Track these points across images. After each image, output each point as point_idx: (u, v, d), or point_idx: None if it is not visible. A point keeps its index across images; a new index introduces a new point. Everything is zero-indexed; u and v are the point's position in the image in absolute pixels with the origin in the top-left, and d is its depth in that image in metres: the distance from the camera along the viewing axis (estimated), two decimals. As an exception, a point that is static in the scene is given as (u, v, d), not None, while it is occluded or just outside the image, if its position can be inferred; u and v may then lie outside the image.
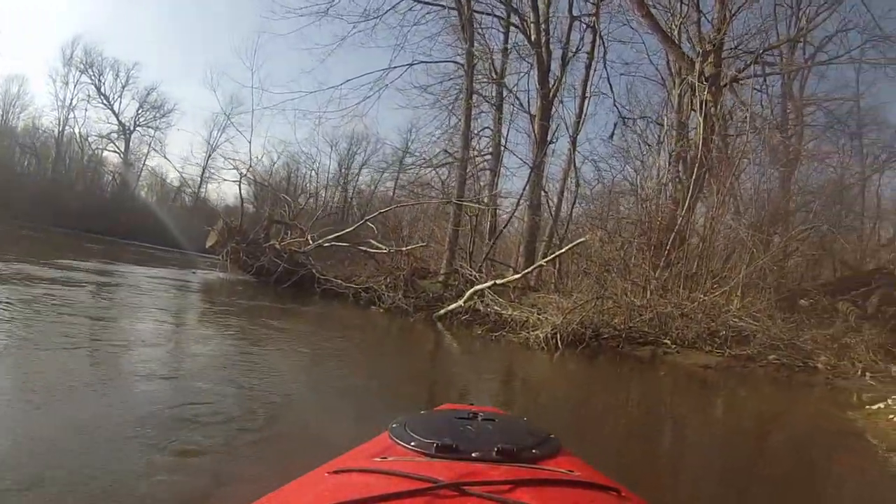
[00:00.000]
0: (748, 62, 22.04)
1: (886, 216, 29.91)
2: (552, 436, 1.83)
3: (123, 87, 55.96)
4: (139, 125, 57.31)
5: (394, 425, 1.83)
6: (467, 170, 26.09)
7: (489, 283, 16.64)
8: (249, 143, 23.81)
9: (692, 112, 21.08)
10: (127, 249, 32.82)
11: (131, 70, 56.00)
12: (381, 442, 1.78)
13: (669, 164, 20.88)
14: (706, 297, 15.51)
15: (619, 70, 29.99)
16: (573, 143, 24.82)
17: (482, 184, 27.68)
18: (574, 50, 25.93)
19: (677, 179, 20.17)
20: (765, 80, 23.59)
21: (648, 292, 16.04)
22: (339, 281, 19.16)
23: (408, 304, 17.43)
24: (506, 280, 17.30)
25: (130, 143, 57.09)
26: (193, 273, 21.67)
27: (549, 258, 18.52)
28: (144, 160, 58.13)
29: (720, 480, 5.79)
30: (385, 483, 1.34)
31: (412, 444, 1.66)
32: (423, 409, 2.21)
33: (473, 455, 1.56)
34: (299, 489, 1.46)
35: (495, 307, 15.82)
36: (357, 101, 26.37)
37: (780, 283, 16.93)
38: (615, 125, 25.27)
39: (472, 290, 16.68)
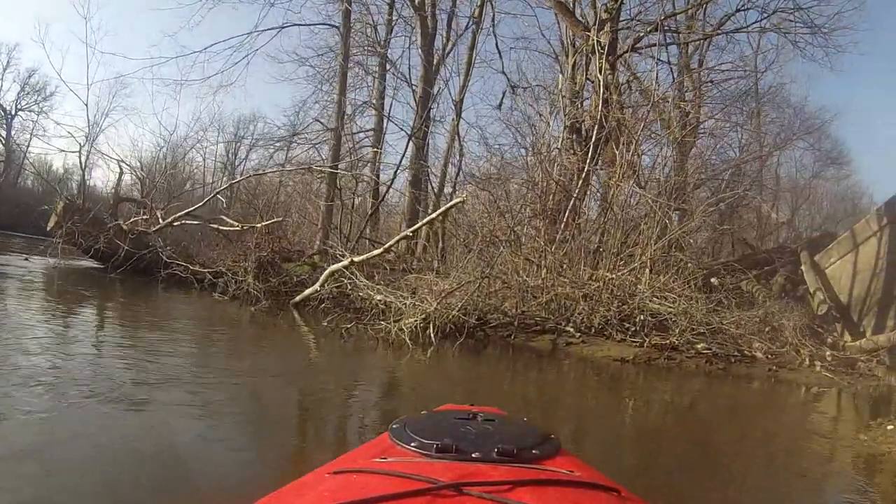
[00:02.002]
0: (646, 31, 19.41)
1: (784, 195, 28.45)
2: (552, 436, 1.70)
3: (4, 70, 49.24)
4: (20, 109, 50.44)
5: (394, 426, 1.70)
6: (346, 146, 23.01)
7: (346, 262, 12.80)
8: (86, 105, 18.22)
9: (587, 81, 18.77)
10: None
11: (13, 51, 49.18)
12: (382, 442, 1.67)
13: (563, 132, 17.64)
14: (613, 276, 12.11)
15: (508, 44, 26.56)
16: (457, 109, 21.27)
17: (366, 161, 24.25)
18: (460, 15, 22.74)
19: (571, 150, 16.84)
20: (666, 49, 20.69)
21: (544, 270, 12.52)
22: (186, 265, 15.00)
23: (258, 290, 13.53)
24: (364, 256, 13.46)
25: (12, 130, 50.26)
26: (26, 259, 17.17)
27: (415, 227, 14.49)
28: (27, 147, 51.23)
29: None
30: (385, 483, 1.26)
31: (412, 444, 1.56)
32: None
33: (473, 455, 1.46)
34: (299, 490, 1.37)
35: (366, 291, 11.99)
36: (225, 68, 21.42)
37: (686, 261, 13.69)
38: (503, 93, 22.01)
39: (328, 271, 12.90)
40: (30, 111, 50.12)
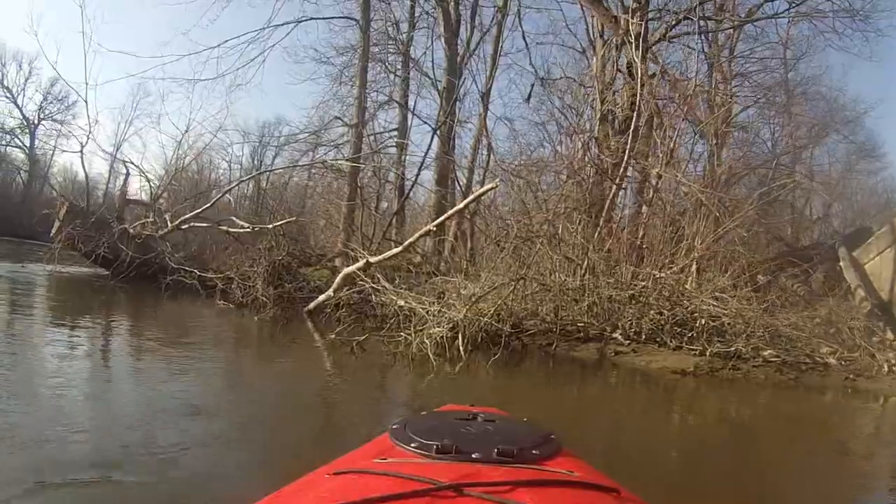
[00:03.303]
0: (677, 19, 17.88)
1: (818, 191, 26.35)
2: (553, 436, 1.64)
3: (26, 80, 48.17)
4: (44, 118, 49.27)
5: (394, 426, 1.64)
6: (369, 145, 21.32)
7: (362, 263, 11.21)
8: (86, 101, 16.35)
9: (618, 73, 17.12)
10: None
11: (34, 61, 48.08)
12: (382, 443, 1.62)
13: (597, 122, 16.11)
14: (662, 275, 10.51)
15: (535, 39, 24.85)
16: (484, 102, 19.73)
17: (391, 159, 22.83)
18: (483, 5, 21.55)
19: (606, 142, 15.29)
20: (699, 37, 19.09)
21: (585, 269, 10.87)
22: (194, 270, 13.73)
23: (267, 297, 12.04)
24: (381, 257, 11.68)
25: (36, 138, 49.20)
26: (22, 266, 15.81)
27: (439, 220, 12.52)
28: (52, 155, 50.14)
29: None
30: (386, 484, 1.22)
31: (412, 445, 1.51)
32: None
33: (474, 456, 1.42)
34: (300, 490, 1.34)
35: (388, 296, 10.42)
36: (241, 65, 19.73)
37: (746, 256, 12.04)
38: (532, 85, 20.14)
39: (342, 274, 11.45)
40: (53, 120, 49.01)
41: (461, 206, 12.65)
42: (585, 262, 11.01)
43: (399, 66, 23.10)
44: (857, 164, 28.22)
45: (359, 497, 1.12)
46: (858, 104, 25.73)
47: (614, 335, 9.72)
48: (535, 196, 13.42)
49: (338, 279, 11.36)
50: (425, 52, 22.87)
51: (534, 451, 1.49)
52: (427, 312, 9.21)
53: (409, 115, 22.25)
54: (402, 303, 9.83)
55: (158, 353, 7.40)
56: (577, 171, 13.66)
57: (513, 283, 9.99)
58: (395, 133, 22.40)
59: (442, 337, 8.47)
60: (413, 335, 8.46)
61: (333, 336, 9.07)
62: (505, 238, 12.52)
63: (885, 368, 9.31)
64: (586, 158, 14.23)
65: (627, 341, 9.60)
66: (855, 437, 6.92)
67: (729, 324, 9.76)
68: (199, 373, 6.52)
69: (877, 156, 28.73)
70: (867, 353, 9.85)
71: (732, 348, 9.09)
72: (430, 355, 7.86)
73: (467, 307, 9.10)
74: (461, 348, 8.40)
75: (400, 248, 11.51)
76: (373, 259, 11.29)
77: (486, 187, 12.58)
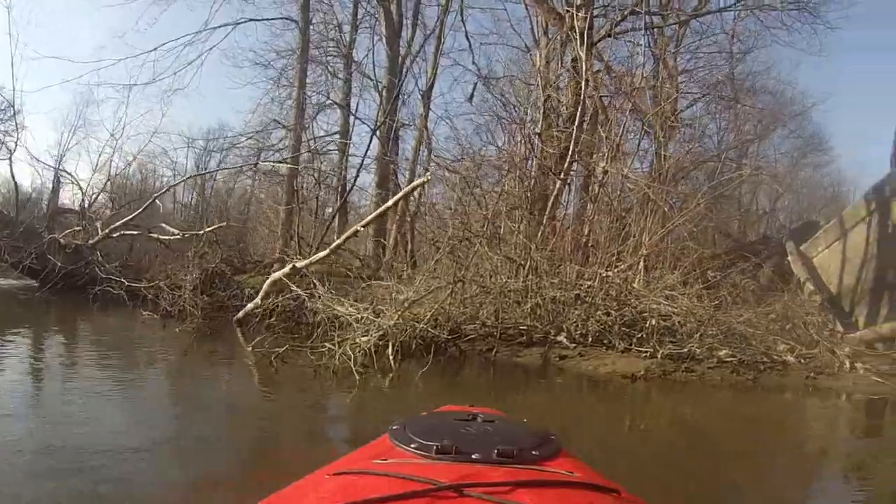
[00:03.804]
0: (624, 14, 17.49)
1: (765, 185, 26.12)
2: (552, 437, 1.61)
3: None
4: (-16, 130, 47.25)
5: (394, 427, 1.61)
6: (308, 147, 20.43)
7: (287, 268, 10.31)
8: (12, 106, 15.16)
9: (563, 70, 16.62)
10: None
11: (-24, 70, 46.03)
12: (382, 444, 1.59)
13: (540, 119, 15.48)
14: (610, 273, 9.82)
15: (479, 40, 24.16)
16: (425, 102, 18.79)
17: (332, 163, 21.83)
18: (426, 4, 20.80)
19: (550, 139, 14.63)
20: (645, 33, 18.63)
21: (528, 271, 10.09)
22: (122, 280, 12.87)
23: (194, 306, 11.15)
24: (308, 261, 10.70)
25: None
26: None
27: (366, 220, 11.60)
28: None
29: None
30: (386, 485, 1.19)
31: (412, 445, 1.48)
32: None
33: (474, 457, 1.38)
34: (300, 491, 1.31)
35: (321, 303, 9.50)
36: (179, 69, 18.79)
37: (699, 251, 11.42)
38: (474, 84, 19.40)
39: (269, 280, 10.55)
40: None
41: (389, 203, 11.78)
42: (528, 263, 10.24)
43: (341, 68, 22.27)
44: (804, 158, 28.04)
45: (359, 497, 1.08)
46: (806, 98, 25.45)
47: (559, 338, 8.97)
48: (473, 193, 12.58)
49: (265, 285, 10.48)
50: (367, 54, 22.11)
51: (534, 452, 1.45)
52: (355, 320, 8.38)
53: (352, 119, 21.36)
54: (339, 309, 8.94)
55: (57, 373, 6.73)
56: (518, 166, 12.88)
57: (450, 286, 9.21)
58: (337, 136, 21.52)
59: (370, 346, 7.62)
60: (337, 345, 7.60)
61: (250, 348, 8.21)
62: (441, 239, 11.67)
63: (847, 365, 8.70)
64: (528, 153, 13.48)
65: (573, 344, 8.87)
66: (813, 438, 6.32)
67: (680, 323, 9.07)
68: (95, 395, 5.71)
69: (824, 150, 28.52)
70: (826, 349, 9.24)
71: (685, 349, 8.43)
72: (353, 368, 7.04)
73: (399, 313, 8.30)
74: (391, 358, 7.59)
75: (327, 251, 10.66)
76: (299, 263, 10.41)
77: (415, 182, 11.84)
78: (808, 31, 17.26)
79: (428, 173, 11.67)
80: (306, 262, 10.60)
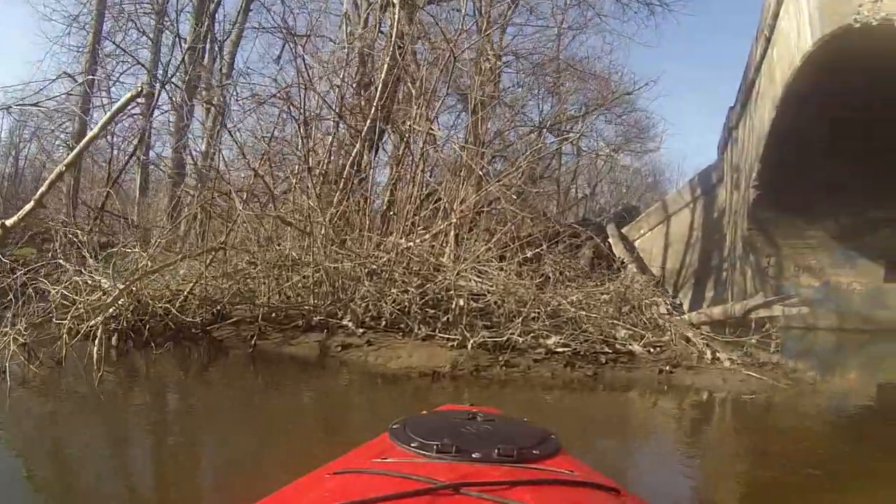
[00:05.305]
0: None
1: (584, 168, 27.03)
2: (552, 436, 1.56)
3: None
4: None
5: (394, 426, 1.55)
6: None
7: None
8: None
9: (380, 34, 15.01)
10: None
11: None
12: (382, 443, 1.53)
13: (353, 83, 13.74)
14: (411, 244, 7.86)
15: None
16: (222, 56, 16.53)
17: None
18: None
19: (358, 108, 12.75)
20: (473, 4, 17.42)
21: (313, 239, 7.91)
22: None
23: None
24: (14, 219, 7.80)
25: None
26: None
27: (70, 157, 9.10)
28: None
29: None
30: (386, 484, 1.17)
31: (412, 444, 1.42)
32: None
33: (474, 456, 1.34)
34: (300, 490, 1.31)
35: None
36: None
37: (499, 225, 9.81)
38: (283, 45, 17.44)
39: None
40: None
41: (96, 130, 9.40)
42: (313, 230, 8.03)
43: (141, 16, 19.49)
44: (626, 144, 27.60)
45: (359, 497, 1.07)
46: (632, 84, 25.24)
47: (344, 321, 6.86)
48: (242, 151, 10.17)
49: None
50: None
51: (534, 451, 1.40)
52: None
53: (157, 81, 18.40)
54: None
55: None
56: (314, 119, 10.59)
57: (204, 254, 6.88)
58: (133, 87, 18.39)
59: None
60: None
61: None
62: (208, 202, 9.18)
63: (708, 356, 7.08)
64: (335, 118, 11.33)
65: (361, 330, 6.78)
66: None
67: (497, 304, 7.15)
68: None
69: (646, 137, 28.40)
70: (680, 336, 7.58)
71: (504, 337, 6.48)
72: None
73: (123, 288, 5.90)
74: (95, 351, 5.18)
75: (31, 204, 8.02)
76: (8, 222, 7.74)
77: (126, 96, 9.33)
78: (644, 12, 18.08)
79: (140, 84, 9.27)
80: (13, 219, 7.90)
